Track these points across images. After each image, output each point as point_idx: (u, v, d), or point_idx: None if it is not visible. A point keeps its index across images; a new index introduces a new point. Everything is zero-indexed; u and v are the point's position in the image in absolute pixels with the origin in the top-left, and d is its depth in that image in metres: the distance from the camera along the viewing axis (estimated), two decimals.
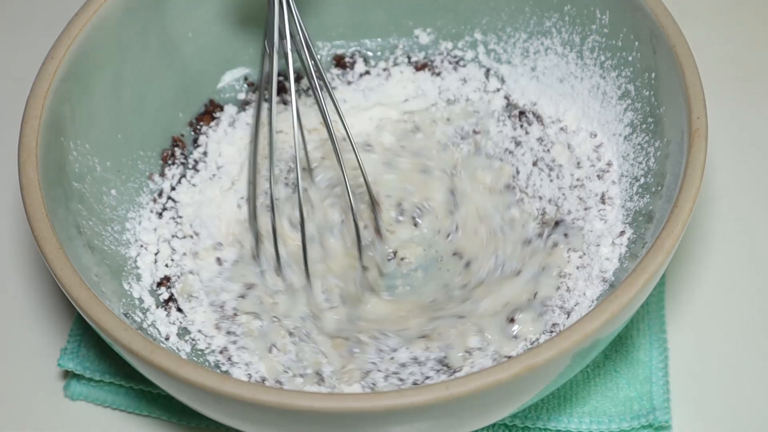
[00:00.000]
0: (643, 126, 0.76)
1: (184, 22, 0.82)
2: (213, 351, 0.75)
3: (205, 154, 0.84)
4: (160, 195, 0.81)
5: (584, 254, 0.77)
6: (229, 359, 0.74)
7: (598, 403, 0.75)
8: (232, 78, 0.86)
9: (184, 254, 0.79)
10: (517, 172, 0.82)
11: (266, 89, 0.75)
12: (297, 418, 0.60)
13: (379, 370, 0.73)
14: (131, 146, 0.80)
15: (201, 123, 0.84)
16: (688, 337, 0.79)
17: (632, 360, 0.76)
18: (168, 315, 0.75)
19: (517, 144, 0.83)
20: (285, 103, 0.85)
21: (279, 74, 0.77)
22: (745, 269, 0.82)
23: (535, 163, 0.82)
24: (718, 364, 0.78)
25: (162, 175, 0.82)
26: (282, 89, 0.85)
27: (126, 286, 0.74)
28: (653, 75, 0.74)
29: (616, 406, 0.75)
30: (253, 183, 0.80)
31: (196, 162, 0.83)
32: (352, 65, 0.88)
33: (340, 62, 0.88)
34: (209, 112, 0.84)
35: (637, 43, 0.76)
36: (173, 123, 0.83)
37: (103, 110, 0.77)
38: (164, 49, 0.81)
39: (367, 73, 0.87)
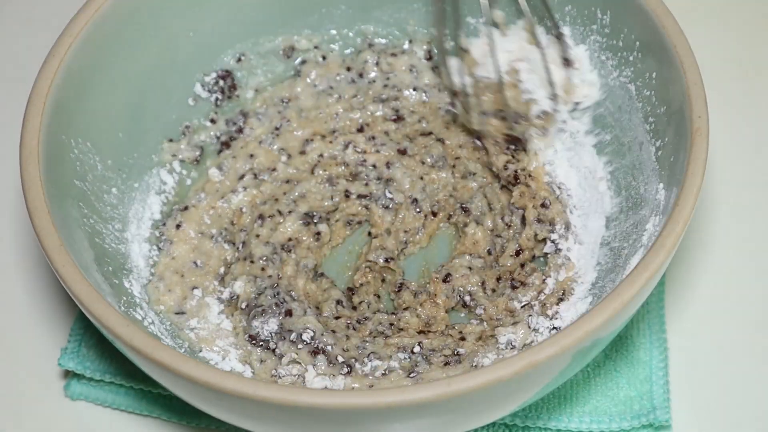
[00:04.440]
0: (645, 126, 0.76)
1: (184, 22, 0.82)
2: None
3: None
4: (160, 194, 0.82)
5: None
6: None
7: (598, 402, 0.75)
8: None
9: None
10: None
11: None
12: (298, 415, 0.60)
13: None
14: (132, 145, 0.80)
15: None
16: (688, 337, 0.79)
17: (632, 360, 0.76)
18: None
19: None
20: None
21: None
22: (745, 269, 0.82)
23: None
24: (718, 364, 0.78)
25: (162, 172, 0.82)
26: None
27: (127, 284, 0.74)
28: (654, 75, 0.75)
29: (617, 406, 0.75)
30: None
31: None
32: None
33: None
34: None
35: (637, 43, 0.76)
36: (173, 122, 0.84)
37: (104, 109, 0.77)
38: (165, 49, 0.81)
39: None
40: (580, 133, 0.82)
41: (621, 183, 0.78)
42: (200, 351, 0.75)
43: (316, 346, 0.74)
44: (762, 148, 0.88)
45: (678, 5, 0.78)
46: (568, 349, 0.61)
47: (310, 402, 0.59)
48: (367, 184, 0.84)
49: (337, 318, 0.77)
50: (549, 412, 0.74)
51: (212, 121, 0.85)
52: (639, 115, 0.76)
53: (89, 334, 0.78)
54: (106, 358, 0.77)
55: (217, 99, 0.85)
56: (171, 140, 0.83)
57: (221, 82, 0.85)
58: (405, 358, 0.74)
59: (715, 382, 0.77)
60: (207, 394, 0.62)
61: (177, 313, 0.76)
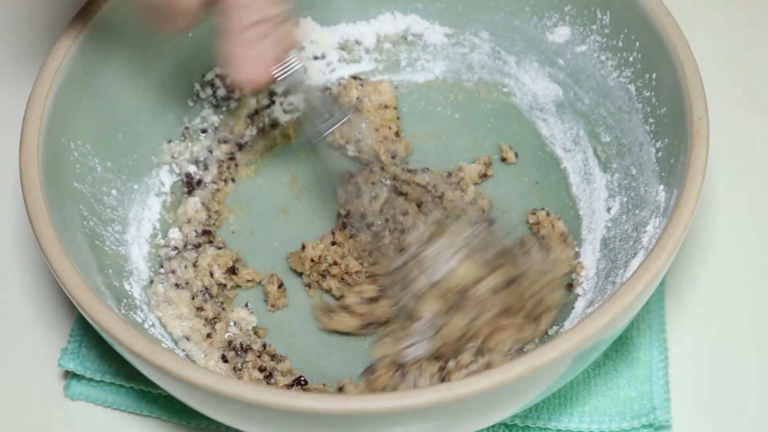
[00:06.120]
0: (645, 127, 0.76)
1: None
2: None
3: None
4: (159, 195, 0.82)
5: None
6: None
7: (598, 402, 0.75)
8: None
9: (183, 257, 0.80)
10: None
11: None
12: (299, 419, 0.60)
13: None
14: (131, 146, 0.80)
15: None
16: (688, 337, 0.79)
17: (632, 360, 0.76)
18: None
19: None
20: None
21: None
22: (745, 269, 0.82)
23: None
24: (718, 364, 0.78)
25: (162, 173, 0.82)
26: None
27: (127, 287, 0.74)
28: (654, 75, 0.75)
29: (617, 406, 0.75)
30: None
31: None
32: None
33: None
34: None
35: (637, 43, 0.76)
36: (173, 123, 0.84)
37: (103, 110, 0.77)
38: (164, 49, 0.81)
39: None
40: (581, 134, 0.82)
41: (621, 184, 0.78)
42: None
43: None
44: (762, 149, 0.88)
45: (678, 5, 0.77)
46: (568, 353, 0.61)
47: (310, 407, 0.59)
48: None
49: None
50: (549, 412, 0.74)
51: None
52: (639, 116, 0.76)
53: (89, 335, 0.78)
54: (106, 358, 0.77)
55: (216, 99, 0.85)
56: (170, 141, 0.83)
57: (221, 83, 0.85)
58: None
59: (715, 382, 0.77)
60: (207, 398, 0.62)
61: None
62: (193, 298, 0.77)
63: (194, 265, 0.78)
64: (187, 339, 0.75)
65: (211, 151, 0.84)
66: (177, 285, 0.77)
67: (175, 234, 0.80)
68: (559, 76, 0.83)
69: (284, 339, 0.78)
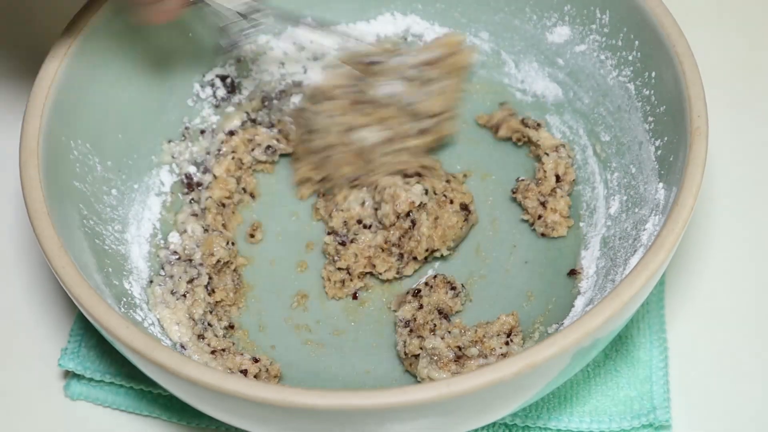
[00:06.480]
0: (644, 125, 0.76)
1: (183, 23, 0.82)
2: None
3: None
4: (159, 195, 0.82)
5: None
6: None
7: (598, 402, 0.75)
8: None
9: (180, 257, 0.80)
10: None
11: None
12: (299, 415, 0.60)
13: None
14: (132, 145, 0.80)
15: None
16: (688, 337, 0.79)
17: (632, 359, 0.76)
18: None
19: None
20: None
21: None
22: (745, 269, 0.82)
23: None
24: (718, 363, 0.78)
25: (162, 173, 0.82)
26: None
27: (127, 285, 0.74)
28: (653, 74, 0.75)
29: (617, 406, 0.75)
30: None
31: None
32: None
33: None
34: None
35: (637, 42, 0.76)
36: (173, 123, 0.84)
37: (103, 110, 0.77)
38: (164, 49, 0.81)
39: None
40: (580, 133, 0.82)
41: (621, 183, 0.78)
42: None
43: None
44: (762, 147, 0.88)
45: (677, 5, 0.78)
46: (567, 350, 0.61)
47: (310, 403, 0.59)
48: None
49: None
50: (549, 412, 0.74)
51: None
52: (638, 114, 0.76)
53: (89, 335, 0.78)
54: (106, 358, 0.77)
55: (216, 100, 0.85)
56: (171, 141, 0.83)
57: (221, 83, 0.85)
58: None
59: (715, 382, 0.77)
60: (207, 396, 0.62)
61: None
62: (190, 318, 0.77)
63: (189, 283, 0.78)
64: (183, 347, 0.75)
65: (209, 152, 0.84)
66: (173, 293, 0.77)
67: (174, 238, 0.80)
68: (559, 75, 0.83)
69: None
